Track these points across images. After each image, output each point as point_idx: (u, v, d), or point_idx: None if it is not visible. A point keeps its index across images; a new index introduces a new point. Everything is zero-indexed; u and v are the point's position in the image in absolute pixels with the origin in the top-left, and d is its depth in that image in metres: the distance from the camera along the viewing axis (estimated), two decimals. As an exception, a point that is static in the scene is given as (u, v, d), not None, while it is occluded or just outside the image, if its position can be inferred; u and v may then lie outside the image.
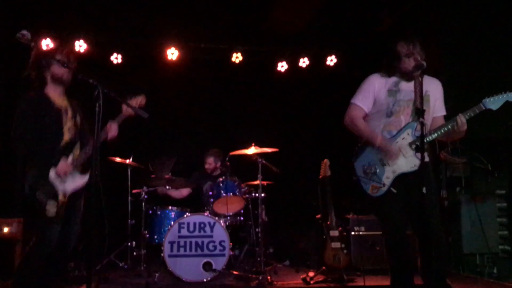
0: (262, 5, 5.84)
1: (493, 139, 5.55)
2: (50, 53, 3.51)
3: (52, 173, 3.31)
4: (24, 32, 2.74)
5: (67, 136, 3.45)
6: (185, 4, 5.78)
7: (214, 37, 6.60)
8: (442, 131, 3.22)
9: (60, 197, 3.32)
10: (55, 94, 3.47)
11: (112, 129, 3.49)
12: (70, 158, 3.41)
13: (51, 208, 3.24)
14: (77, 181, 3.43)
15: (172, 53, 6.51)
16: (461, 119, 3.15)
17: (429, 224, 3.08)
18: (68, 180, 3.38)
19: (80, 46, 6.11)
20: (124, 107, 3.50)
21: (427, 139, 3.21)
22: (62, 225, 3.37)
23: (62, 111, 3.48)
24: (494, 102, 3.19)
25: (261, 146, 5.18)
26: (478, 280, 4.91)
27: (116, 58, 6.39)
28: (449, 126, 3.19)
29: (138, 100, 3.54)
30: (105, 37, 6.31)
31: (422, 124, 2.94)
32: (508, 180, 5.56)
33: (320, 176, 5.24)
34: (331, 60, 7.00)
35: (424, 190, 2.84)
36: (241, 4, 5.85)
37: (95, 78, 2.80)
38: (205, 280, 4.68)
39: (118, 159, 5.25)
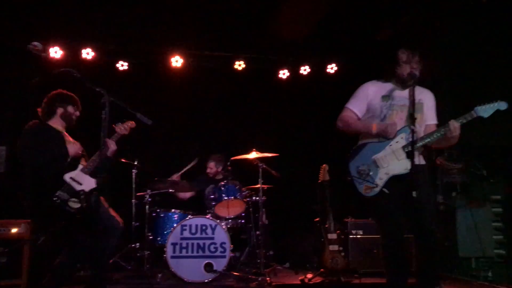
0: (265, 13, 5.93)
1: (489, 146, 5.64)
2: (68, 96, 3.88)
3: (66, 177, 3.50)
4: (36, 43, 2.88)
5: (71, 152, 3.70)
6: (190, 13, 5.90)
7: (217, 45, 6.71)
8: (435, 136, 3.28)
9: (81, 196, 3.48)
10: (57, 126, 3.81)
11: (111, 146, 3.74)
12: (80, 167, 3.64)
13: (73, 204, 3.41)
14: (91, 182, 3.62)
15: (176, 61, 6.65)
16: (454, 124, 3.22)
17: (423, 225, 3.17)
18: (84, 181, 3.57)
19: (87, 53, 6.27)
20: (117, 127, 3.78)
21: (420, 143, 3.29)
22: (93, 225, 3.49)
23: (62, 133, 3.79)
24: (485, 110, 3.28)
25: (261, 151, 5.28)
26: (472, 283, 4.95)
27: (122, 66, 6.54)
28: (442, 131, 3.26)
29: (128, 125, 3.84)
30: (111, 45, 6.45)
31: (413, 132, 3.08)
32: (503, 185, 5.58)
33: (319, 181, 5.32)
34: (332, 68, 7.08)
35: (414, 194, 2.93)
36: (244, 12, 5.94)
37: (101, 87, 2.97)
38: (206, 280, 4.76)
39: (123, 160, 5.36)
